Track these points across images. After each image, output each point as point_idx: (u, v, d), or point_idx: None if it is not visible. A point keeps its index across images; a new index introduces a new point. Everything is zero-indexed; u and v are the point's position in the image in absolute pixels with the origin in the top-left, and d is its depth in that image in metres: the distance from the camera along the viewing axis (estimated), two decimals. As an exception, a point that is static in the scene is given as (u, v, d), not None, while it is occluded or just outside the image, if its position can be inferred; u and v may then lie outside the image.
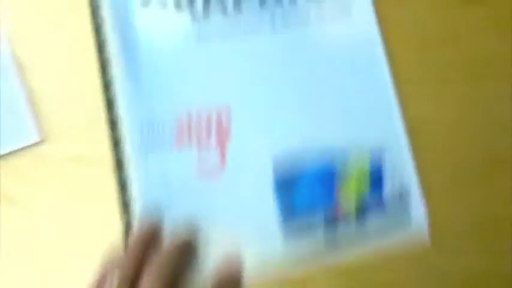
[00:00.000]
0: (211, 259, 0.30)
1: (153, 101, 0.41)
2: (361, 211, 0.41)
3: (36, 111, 0.42)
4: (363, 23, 0.44)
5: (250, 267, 0.31)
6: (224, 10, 0.43)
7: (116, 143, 0.41)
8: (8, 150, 0.42)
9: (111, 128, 0.41)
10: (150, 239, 0.30)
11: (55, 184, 0.41)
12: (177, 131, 0.41)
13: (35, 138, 0.42)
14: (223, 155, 0.41)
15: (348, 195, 0.42)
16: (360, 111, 0.43)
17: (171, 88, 0.42)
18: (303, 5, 0.44)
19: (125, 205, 0.40)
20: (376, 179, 0.42)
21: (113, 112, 0.41)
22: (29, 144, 0.42)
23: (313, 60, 0.43)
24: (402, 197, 0.42)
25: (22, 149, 0.42)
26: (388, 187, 0.42)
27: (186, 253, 0.30)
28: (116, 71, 0.41)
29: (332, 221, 0.41)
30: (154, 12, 0.43)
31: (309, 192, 0.41)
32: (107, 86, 0.42)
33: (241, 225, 0.40)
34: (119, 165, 0.41)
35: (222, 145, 0.41)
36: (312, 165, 0.42)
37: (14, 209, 0.41)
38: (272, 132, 0.42)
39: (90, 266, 0.29)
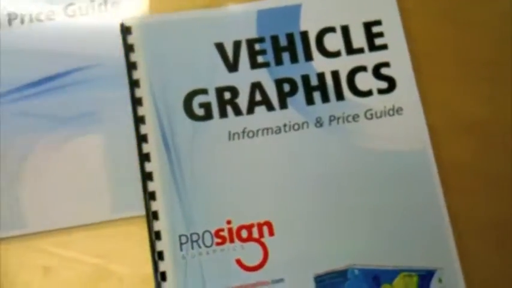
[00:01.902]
0: None
1: (192, 213, 0.40)
2: None
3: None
4: (413, 121, 0.43)
5: None
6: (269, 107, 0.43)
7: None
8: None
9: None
10: None
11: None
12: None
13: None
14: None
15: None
16: (409, 228, 0.41)
17: (210, 200, 0.41)
18: (351, 101, 0.43)
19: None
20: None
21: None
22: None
23: (359, 161, 0.42)
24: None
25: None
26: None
27: None
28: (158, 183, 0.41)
29: None
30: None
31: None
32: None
33: None
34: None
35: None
36: (354, 287, 0.40)
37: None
38: (314, 249, 0.40)
39: None
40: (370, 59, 0.44)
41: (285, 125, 0.42)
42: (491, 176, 0.43)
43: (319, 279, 0.40)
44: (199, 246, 0.40)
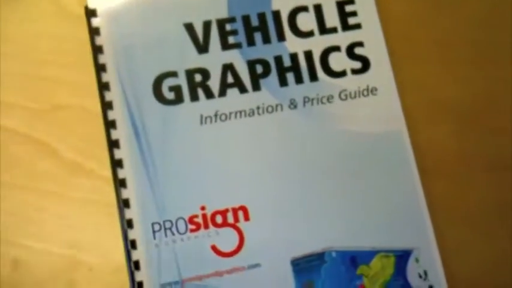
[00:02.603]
0: None
1: (165, 200, 0.39)
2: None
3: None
4: (388, 102, 0.42)
5: None
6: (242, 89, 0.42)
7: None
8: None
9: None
10: None
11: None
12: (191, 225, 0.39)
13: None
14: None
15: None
16: (385, 209, 0.40)
17: (183, 186, 0.40)
18: (325, 82, 0.42)
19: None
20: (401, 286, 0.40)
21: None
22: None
23: (334, 143, 0.41)
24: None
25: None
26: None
27: None
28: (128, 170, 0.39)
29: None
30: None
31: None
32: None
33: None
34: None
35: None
36: (332, 270, 0.39)
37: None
38: (291, 233, 0.40)
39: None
40: (343, 38, 0.43)
41: (258, 108, 0.41)
42: (468, 157, 0.43)
43: (296, 263, 0.39)
44: (173, 234, 0.39)
